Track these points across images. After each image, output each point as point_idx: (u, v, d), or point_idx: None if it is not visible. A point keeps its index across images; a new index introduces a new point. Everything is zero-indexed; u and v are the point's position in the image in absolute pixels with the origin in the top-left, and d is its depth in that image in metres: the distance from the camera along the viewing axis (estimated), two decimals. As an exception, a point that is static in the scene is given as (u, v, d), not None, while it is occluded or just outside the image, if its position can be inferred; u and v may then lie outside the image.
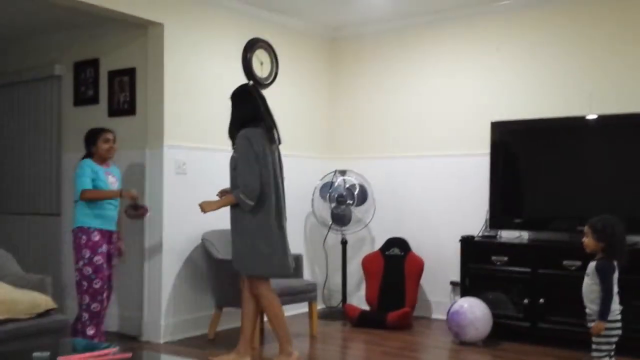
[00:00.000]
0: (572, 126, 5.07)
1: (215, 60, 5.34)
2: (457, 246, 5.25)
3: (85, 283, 4.45)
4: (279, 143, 4.24)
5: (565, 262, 4.71)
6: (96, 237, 4.48)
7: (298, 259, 5.25)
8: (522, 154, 5.32)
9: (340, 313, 5.84)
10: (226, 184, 4.25)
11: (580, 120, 5.00)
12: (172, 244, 5.01)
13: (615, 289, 3.50)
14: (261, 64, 5.65)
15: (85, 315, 4.45)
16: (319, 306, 5.78)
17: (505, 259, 5.01)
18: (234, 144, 4.16)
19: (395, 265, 5.74)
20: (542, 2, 5.36)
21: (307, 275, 5.94)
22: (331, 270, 6.31)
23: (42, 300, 3.81)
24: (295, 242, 5.79)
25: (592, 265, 3.56)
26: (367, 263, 5.88)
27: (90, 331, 4.45)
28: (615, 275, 3.51)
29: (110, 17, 4.83)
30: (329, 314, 5.91)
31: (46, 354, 2.89)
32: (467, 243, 5.22)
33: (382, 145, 6.20)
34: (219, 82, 5.19)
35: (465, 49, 5.75)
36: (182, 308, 5.07)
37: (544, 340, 4.83)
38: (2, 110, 6.28)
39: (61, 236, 5.63)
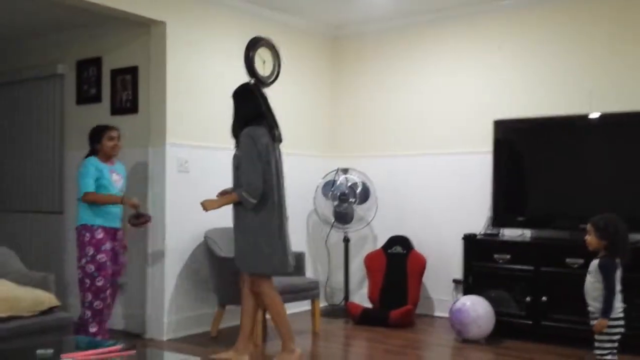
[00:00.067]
0: (574, 124, 5.07)
1: (218, 58, 5.35)
2: (460, 244, 5.25)
3: (88, 281, 4.46)
4: (280, 141, 4.25)
5: (567, 260, 4.71)
6: (100, 234, 4.48)
7: (300, 256, 5.26)
8: (525, 152, 5.32)
9: (342, 311, 5.85)
10: (229, 182, 4.25)
11: (583, 118, 5.00)
12: (175, 242, 5.01)
13: (618, 286, 3.50)
14: (263, 63, 5.66)
15: (88, 313, 4.46)
16: (322, 304, 5.79)
17: (508, 257, 5.01)
18: (237, 142, 4.17)
19: (398, 263, 5.74)
20: (544, 0, 5.36)
21: (309, 273, 5.95)
22: (333, 268, 6.32)
23: (45, 298, 3.82)
24: (298, 240, 5.81)
25: (594, 263, 3.57)
26: (369, 261, 5.89)
27: (93, 329, 4.46)
28: (618, 273, 3.52)
29: (113, 15, 4.83)
30: (331, 312, 5.92)
31: (49, 351, 2.90)
32: (469, 241, 5.22)
33: (384, 144, 6.20)
34: (221, 81, 5.20)
35: (467, 47, 5.75)
36: (184, 306, 5.08)
37: (546, 338, 4.84)
38: (5, 109, 6.29)
39: (64, 234, 5.64)
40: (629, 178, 4.80)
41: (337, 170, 6.08)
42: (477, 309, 4.83)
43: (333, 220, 6.02)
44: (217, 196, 4.25)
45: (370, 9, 5.81)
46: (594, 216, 3.62)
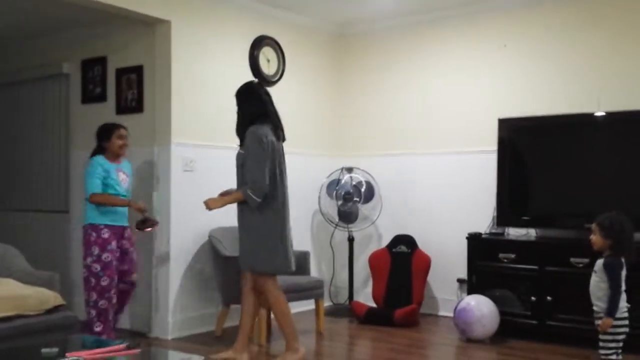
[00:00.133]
0: (579, 123, 5.05)
1: (223, 57, 5.35)
2: (464, 243, 5.24)
3: (93, 280, 4.46)
4: (283, 140, 4.25)
5: (572, 260, 4.70)
6: (105, 234, 4.49)
7: (305, 256, 5.26)
8: (530, 151, 5.30)
9: (347, 310, 5.85)
10: (234, 181, 4.25)
11: (588, 117, 4.98)
12: (180, 241, 5.02)
13: (623, 286, 3.49)
14: (268, 62, 5.66)
15: (93, 312, 4.47)
16: (326, 303, 5.79)
17: (513, 256, 5.00)
18: (242, 141, 4.17)
19: (402, 262, 5.74)
20: (550, -2, 5.36)
21: (314, 272, 5.95)
22: (338, 268, 6.32)
23: (51, 297, 3.84)
24: (302, 239, 5.82)
25: (599, 262, 3.56)
26: (374, 260, 5.88)
27: (98, 328, 4.46)
28: (623, 273, 3.51)
29: (118, 15, 4.84)
30: (335, 311, 5.92)
31: (55, 350, 2.91)
32: (474, 240, 5.21)
33: (388, 143, 6.19)
34: (226, 80, 5.19)
35: (472, 46, 5.73)
36: (189, 305, 5.09)
37: (551, 338, 4.83)
38: (11, 108, 6.31)
39: (69, 233, 5.66)
40: (634, 177, 4.78)
41: (342, 169, 6.08)
42: (482, 309, 4.82)
43: (337, 220, 6.02)
44: (218, 197, 4.24)
45: (375, 7, 5.80)
46: (599, 215, 3.61)
